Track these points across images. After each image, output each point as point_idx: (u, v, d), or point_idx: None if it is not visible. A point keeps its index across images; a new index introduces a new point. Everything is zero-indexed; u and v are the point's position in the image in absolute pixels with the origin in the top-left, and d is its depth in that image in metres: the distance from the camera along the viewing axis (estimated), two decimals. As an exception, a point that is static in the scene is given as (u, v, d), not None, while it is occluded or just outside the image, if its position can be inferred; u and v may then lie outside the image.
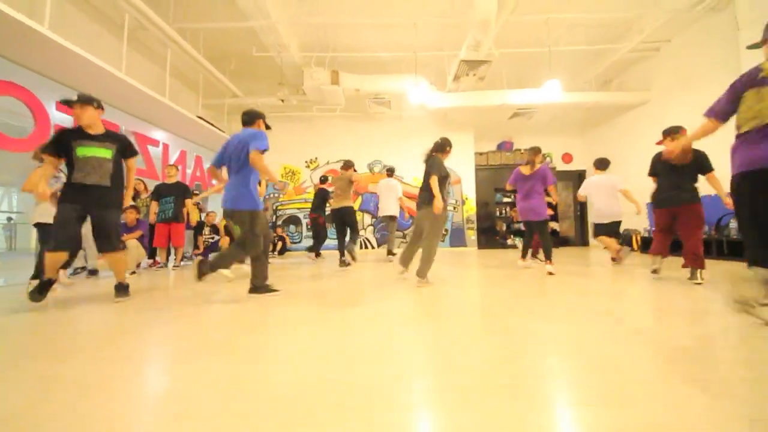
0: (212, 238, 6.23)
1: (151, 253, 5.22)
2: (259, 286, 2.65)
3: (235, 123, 8.06)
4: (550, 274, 3.51)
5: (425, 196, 3.14)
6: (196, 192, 6.22)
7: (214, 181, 2.86)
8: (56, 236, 2.34)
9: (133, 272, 4.29)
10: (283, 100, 6.89)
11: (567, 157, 8.80)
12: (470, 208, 8.21)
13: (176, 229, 5.01)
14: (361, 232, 8.11)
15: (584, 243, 8.55)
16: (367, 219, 8.16)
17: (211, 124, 6.36)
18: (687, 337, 1.54)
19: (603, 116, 7.79)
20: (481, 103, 6.80)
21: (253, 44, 5.91)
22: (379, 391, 1.07)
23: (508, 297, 2.49)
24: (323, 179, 6.44)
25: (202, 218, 6.32)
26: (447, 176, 3.20)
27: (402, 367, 1.26)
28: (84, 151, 2.43)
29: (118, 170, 2.59)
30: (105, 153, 2.50)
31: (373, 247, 8.09)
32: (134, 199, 4.90)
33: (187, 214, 5.45)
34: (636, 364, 1.24)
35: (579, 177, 8.51)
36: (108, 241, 2.53)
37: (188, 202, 5.30)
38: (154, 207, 4.92)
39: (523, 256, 4.31)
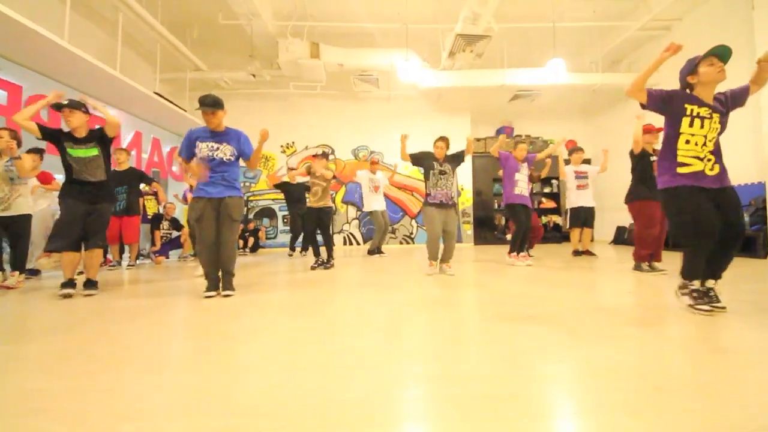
0: (170, 233, 6.09)
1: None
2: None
3: (197, 101, 7.83)
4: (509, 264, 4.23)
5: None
6: (155, 179, 6.04)
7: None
8: (63, 235, 2.78)
9: (81, 272, 4.14)
10: (254, 76, 6.75)
11: (571, 144, 8.93)
12: (466, 200, 8.29)
13: (129, 224, 4.87)
14: (345, 227, 8.09)
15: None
16: (352, 212, 8.13)
17: (170, 102, 6.18)
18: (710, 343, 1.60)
19: (610, 100, 7.94)
20: (479, 83, 6.83)
21: (220, 10, 5.73)
22: (366, 405, 1.07)
23: (509, 297, 2.53)
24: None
25: (160, 210, 6.16)
26: (425, 162, 3.71)
27: (391, 377, 1.26)
28: (77, 152, 2.88)
29: (108, 164, 3.03)
30: (93, 152, 2.94)
31: (358, 243, 8.08)
32: None
33: (143, 205, 5.33)
34: (647, 370, 1.28)
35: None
36: (99, 236, 2.97)
37: (156, 185, 5.21)
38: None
39: (519, 251, 4.42)
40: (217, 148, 2.78)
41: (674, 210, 2.03)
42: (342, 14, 6.11)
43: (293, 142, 8.16)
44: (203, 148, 2.76)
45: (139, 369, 1.37)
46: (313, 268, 4.35)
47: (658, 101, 2.06)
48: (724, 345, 1.57)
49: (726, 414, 0.98)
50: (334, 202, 7.74)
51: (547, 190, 8.58)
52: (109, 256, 5.18)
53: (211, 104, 2.73)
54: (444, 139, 3.78)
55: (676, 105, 2.02)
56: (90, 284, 2.95)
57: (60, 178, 3.90)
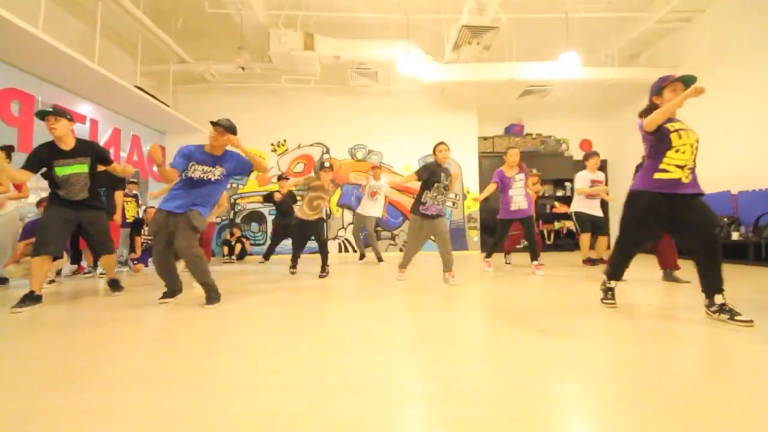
0: (150, 239, 6.08)
1: (75, 257, 5.07)
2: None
3: (182, 95, 7.88)
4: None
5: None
6: (134, 180, 6.06)
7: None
8: (52, 239, 2.87)
9: (52, 281, 4.15)
10: (243, 69, 6.78)
11: (586, 144, 9.00)
12: (472, 204, 8.29)
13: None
14: (341, 233, 8.09)
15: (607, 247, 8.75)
16: (348, 216, 8.13)
17: (152, 96, 6.20)
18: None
19: (627, 96, 7.99)
20: (486, 78, 6.86)
21: (207, -2, 5.77)
22: (361, 428, 1.07)
23: (517, 308, 2.55)
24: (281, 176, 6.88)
25: (140, 215, 6.17)
26: (431, 177, 3.80)
27: (388, 396, 1.26)
28: (63, 170, 2.95)
29: (93, 179, 3.15)
30: (82, 168, 3.04)
31: (354, 251, 8.06)
32: None
33: (123, 209, 5.33)
34: (665, 391, 1.28)
35: (599, 168, 8.68)
36: (104, 247, 3.28)
37: (118, 194, 5.18)
38: None
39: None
40: (210, 171, 2.93)
41: (629, 211, 2.44)
42: (338, 3, 6.16)
43: (285, 141, 8.17)
44: (197, 170, 2.89)
45: (108, 388, 1.37)
46: (291, 272, 4.70)
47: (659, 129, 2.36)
48: (734, 366, 1.57)
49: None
50: (328, 204, 7.74)
51: (560, 193, 8.60)
52: (84, 263, 5.18)
53: (227, 127, 2.91)
54: (446, 144, 3.88)
55: (663, 126, 2.34)
56: (113, 285, 3.39)
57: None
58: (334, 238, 8.07)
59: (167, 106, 6.66)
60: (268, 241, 7.96)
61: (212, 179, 2.95)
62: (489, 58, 6.55)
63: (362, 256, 6.40)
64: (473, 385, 1.36)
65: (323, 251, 4.63)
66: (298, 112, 8.15)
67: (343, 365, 1.56)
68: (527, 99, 8.14)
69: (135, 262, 5.75)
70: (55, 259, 3.15)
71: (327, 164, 4.77)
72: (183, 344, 1.91)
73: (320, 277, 4.44)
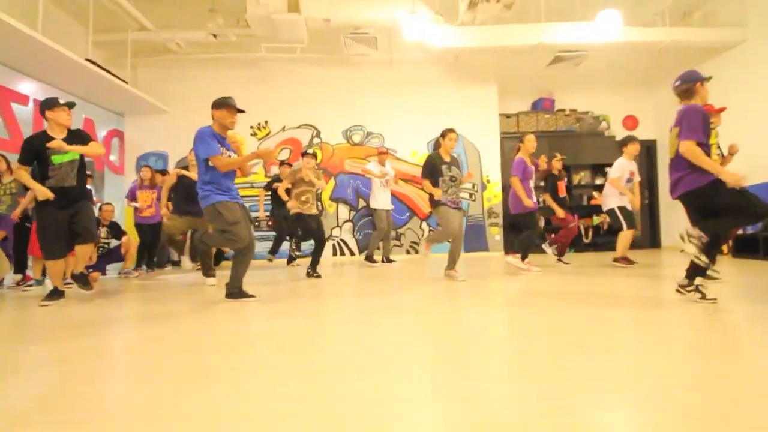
0: (108, 242, 6.08)
1: (19, 265, 5.07)
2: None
3: (143, 69, 7.86)
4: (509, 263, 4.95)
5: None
6: (89, 173, 6.04)
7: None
8: (56, 242, 3.60)
9: (68, 283, 4.26)
10: (215, 36, 6.75)
11: (631, 121, 8.91)
12: (493, 196, 8.24)
13: None
14: (335, 232, 8.07)
15: (654, 244, 8.72)
16: (344, 211, 8.10)
17: (107, 71, 6.18)
18: None
19: (680, 63, 7.80)
20: (509, 43, 6.79)
21: (170, -49, 5.73)
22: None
23: (550, 320, 2.52)
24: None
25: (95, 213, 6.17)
26: (434, 175, 4.27)
27: (396, 424, 1.24)
28: (59, 159, 3.55)
29: (82, 166, 3.75)
30: (74, 156, 3.64)
31: (351, 253, 8.04)
32: None
33: None
34: (727, 418, 1.24)
35: (647, 150, 8.62)
36: (89, 232, 3.75)
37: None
38: (29, 197, 4.75)
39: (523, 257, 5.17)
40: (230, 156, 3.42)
41: (728, 194, 2.67)
42: (329, -46, 6.11)
43: (266, 122, 8.13)
44: (224, 152, 3.35)
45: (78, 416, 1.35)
46: (269, 260, 5.21)
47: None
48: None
49: None
50: (320, 200, 7.73)
51: (599, 181, 8.52)
52: (29, 273, 5.18)
53: (236, 107, 3.40)
54: (455, 131, 4.42)
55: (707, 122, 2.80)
56: (80, 278, 3.87)
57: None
58: (328, 239, 8.03)
59: (125, 82, 6.64)
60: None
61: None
62: (512, 18, 6.47)
63: (389, 260, 6.60)
64: (493, 410, 1.32)
65: (321, 249, 5.05)
66: (282, 87, 8.10)
67: (346, 387, 1.53)
68: (558, 68, 8.04)
69: (90, 269, 5.74)
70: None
71: (310, 150, 5.04)
72: (167, 365, 1.89)
73: (314, 276, 4.82)
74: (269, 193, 6.79)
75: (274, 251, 7.01)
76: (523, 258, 4.99)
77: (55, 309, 3.45)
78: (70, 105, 3.76)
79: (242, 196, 3.65)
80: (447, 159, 4.37)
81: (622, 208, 5.29)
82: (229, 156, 3.38)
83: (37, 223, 3.75)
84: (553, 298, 3.40)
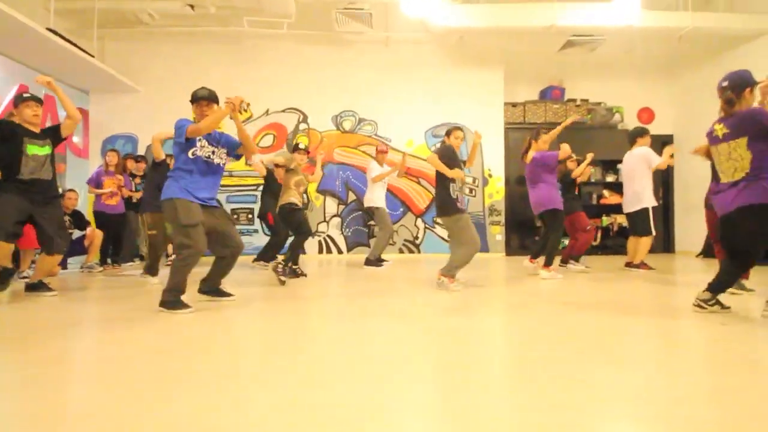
0: (71, 232, 6.00)
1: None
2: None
3: (111, 42, 7.76)
4: (543, 279, 4.79)
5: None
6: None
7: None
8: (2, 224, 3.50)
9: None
10: (192, 7, 6.68)
11: (646, 114, 8.96)
12: (495, 192, 8.26)
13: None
14: (322, 227, 8.05)
15: (668, 249, 8.79)
16: (331, 205, 8.07)
17: (71, 43, 6.10)
18: None
19: (703, 51, 7.94)
20: (519, 23, 6.81)
21: None
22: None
23: (559, 329, 2.53)
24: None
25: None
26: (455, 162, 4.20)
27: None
28: (34, 149, 3.67)
29: (53, 159, 3.88)
30: (47, 150, 3.79)
31: (339, 251, 8.03)
32: None
33: None
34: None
35: (663, 145, 8.65)
36: (63, 238, 3.88)
37: None
38: None
39: (534, 257, 5.30)
40: (215, 152, 3.33)
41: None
42: None
43: (248, 105, 7.90)
44: (205, 148, 3.25)
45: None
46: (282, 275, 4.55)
47: None
48: None
49: None
50: (306, 193, 7.70)
51: (610, 179, 8.57)
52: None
53: (207, 97, 3.31)
54: (461, 129, 4.41)
55: None
56: (41, 286, 3.81)
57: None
58: (314, 235, 8.01)
59: (92, 56, 6.54)
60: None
61: (220, 164, 3.41)
62: (520, -3, 6.49)
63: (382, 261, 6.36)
64: (495, 425, 1.33)
65: (298, 246, 5.00)
66: (266, 66, 8.03)
67: (338, 398, 1.52)
68: (570, 53, 8.05)
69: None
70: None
71: (302, 146, 5.02)
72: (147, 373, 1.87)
73: (301, 275, 4.79)
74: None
75: (274, 256, 6.08)
76: (549, 265, 4.90)
77: (12, 309, 3.44)
78: (35, 99, 3.77)
79: (222, 185, 3.63)
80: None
81: (655, 209, 5.37)
82: (210, 149, 3.29)
83: None
84: (578, 306, 3.43)
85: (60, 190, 6.23)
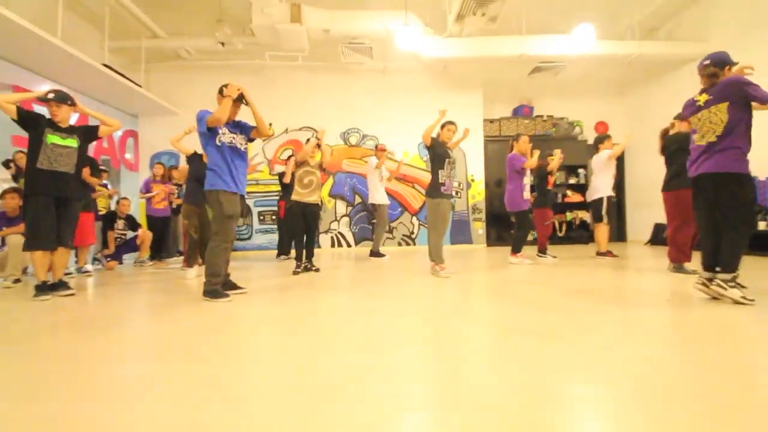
0: (125, 233, 6.10)
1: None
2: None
3: (155, 74, 7.79)
4: (512, 264, 4.85)
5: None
6: (104, 168, 6.03)
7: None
8: (46, 234, 3.23)
9: (17, 280, 4.16)
10: (223, 44, 6.71)
11: (602, 126, 9.00)
12: (477, 193, 8.32)
13: (85, 222, 4.82)
14: (333, 225, 8.11)
15: (621, 238, 8.83)
16: (341, 207, 8.14)
17: (122, 76, 6.14)
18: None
19: (648, 73, 7.99)
20: (493, 53, 6.83)
21: (182, -35, 5.69)
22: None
23: (531, 308, 2.59)
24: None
25: (112, 206, 6.20)
26: (444, 153, 4.10)
27: (386, 402, 1.29)
28: (54, 138, 3.30)
29: (81, 161, 3.51)
30: (72, 142, 3.42)
31: (348, 245, 8.10)
32: (15, 179, 4.70)
33: (94, 201, 5.39)
34: (684, 393, 1.32)
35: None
36: (71, 236, 3.50)
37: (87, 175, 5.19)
38: None
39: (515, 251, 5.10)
40: (236, 137, 3.16)
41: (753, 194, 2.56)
42: (328, -30, 6.10)
43: (270, 125, 8.09)
44: (226, 134, 3.09)
45: (81, 396, 1.40)
46: (296, 273, 4.48)
47: None
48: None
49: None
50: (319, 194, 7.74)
51: (572, 180, 8.62)
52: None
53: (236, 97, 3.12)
54: (455, 123, 4.24)
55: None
56: (62, 285, 3.41)
57: None
58: (326, 232, 8.07)
59: (139, 86, 6.59)
60: (255, 236, 7.98)
61: (243, 149, 3.23)
62: (496, 31, 6.50)
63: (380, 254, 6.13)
64: (479, 389, 1.39)
65: (311, 244, 4.76)
66: (285, 92, 8.07)
67: (341, 366, 1.59)
68: (538, 77, 8.12)
69: (108, 258, 5.76)
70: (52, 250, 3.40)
71: (312, 138, 4.87)
72: (179, 348, 1.94)
73: (306, 270, 4.51)
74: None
75: (287, 251, 6.39)
76: (518, 252, 4.98)
77: (73, 302, 3.38)
78: (55, 99, 3.35)
79: (249, 192, 3.52)
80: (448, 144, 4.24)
81: (610, 198, 5.31)
82: (231, 136, 3.12)
83: (25, 212, 3.32)
84: (530, 290, 3.46)
85: (115, 198, 6.39)
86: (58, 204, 3.34)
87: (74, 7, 6.08)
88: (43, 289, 3.26)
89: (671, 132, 4.05)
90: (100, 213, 5.81)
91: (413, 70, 8.04)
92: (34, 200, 3.24)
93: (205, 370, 1.59)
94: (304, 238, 4.71)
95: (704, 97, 2.67)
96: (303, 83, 8.11)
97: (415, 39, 6.26)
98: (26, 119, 3.26)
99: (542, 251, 5.51)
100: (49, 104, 3.34)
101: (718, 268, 2.56)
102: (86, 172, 5.11)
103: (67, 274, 3.92)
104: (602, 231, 5.38)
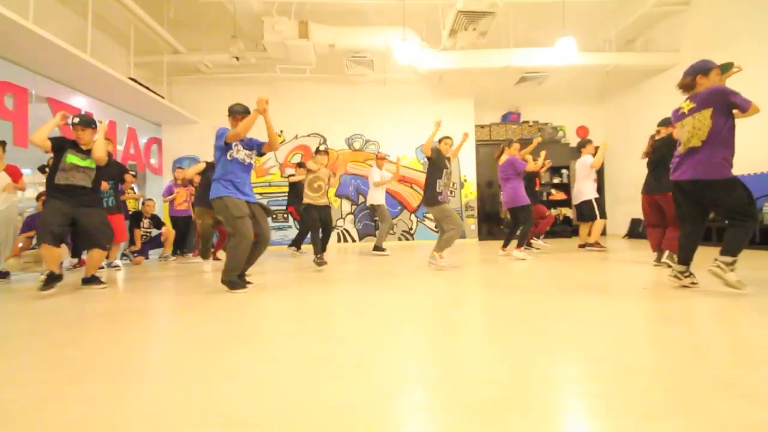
0: (150, 231, 6.12)
1: (75, 251, 5.06)
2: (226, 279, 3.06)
3: (176, 86, 7.78)
4: (517, 258, 4.60)
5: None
6: (133, 173, 6.03)
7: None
8: (50, 229, 3.08)
9: (116, 265, 4.22)
10: (237, 58, 6.69)
11: (583, 131, 8.95)
12: (469, 193, 8.28)
13: (117, 222, 4.83)
14: (339, 222, 8.10)
15: (602, 232, 8.74)
16: (346, 206, 8.12)
17: (147, 88, 6.13)
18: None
19: (625, 81, 7.93)
20: (483, 64, 6.79)
21: (199, -14, 5.66)
22: (362, 411, 1.08)
23: (520, 295, 2.57)
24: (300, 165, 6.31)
25: (139, 207, 6.20)
26: (443, 163, 4.09)
27: (389, 380, 1.27)
28: (74, 159, 3.27)
29: (98, 176, 3.46)
30: (91, 163, 3.37)
31: (353, 240, 8.08)
32: None
33: (124, 203, 5.44)
34: (663, 370, 1.30)
35: (596, 149, 8.64)
36: (104, 236, 3.41)
37: (130, 177, 5.30)
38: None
39: (504, 246, 5.11)
40: (249, 155, 3.18)
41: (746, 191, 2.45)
42: (333, -10, 6.05)
43: (281, 132, 8.09)
44: (241, 152, 3.10)
45: (119, 377, 1.38)
46: (320, 263, 4.38)
47: None
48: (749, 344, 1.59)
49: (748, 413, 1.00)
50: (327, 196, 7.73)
51: (556, 180, 8.59)
52: (84, 257, 5.17)
53: (242, 111, 3.12)
54: (451, 138, 4.33)
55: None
56: (95, 280, 3.40)
57: (26, 172, 4.16)
58: (333, 228, 8.05)
59: (162, 97, 6.58)
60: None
61: (251, 163, 3.22)
62: (486, 44, 6.46)
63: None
64: (475, 367, 1.37)
65: (325, 239, 4.80)
66: (294, 102, 8.04)
67: (345, 349, 1.57)
68: (524, 86, 8.07)
69: (135, 254, 5.77)
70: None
71: (322, 147, 4.83)
72: (193, 333, 1.92)
73: (318, 263, 4.38)
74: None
75: (297, 244, 6.38)
76: (521, 245, 4.76)
77: (110, 294, 3.37)
78: (81, 123, 3.35)
79: (261, 194, 3.48)
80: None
81: (597, 200, 5.32)
82: (245, 153, 3.14)
83: (41, 211, 3.37)
84: (519, 280, 3.44)
85: (138, 194, 6.44)
86: (75, 212, 3.24)
87: (102, 27, 6.06)
88: (48, 280, 3.11)
89: (657, 137, 3.90)
90: (128, 213, 5.82)
91: (411, 80, 7.99)
92: (49, 203, 3.20)
93: (227, 353, 1.57)
94: (320, 233, 4.70)
95: (688, 105, 2.61)
96: (311, 93, 8.08)
97: (412, 52, 6.22)
98: (56, 149, 3.27)
99: (528, 243, 5.52)
100: (75, 128, 3.33)
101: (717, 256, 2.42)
102: (129, 178, 5.20)
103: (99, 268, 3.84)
104: (598, 225, 5.36)
